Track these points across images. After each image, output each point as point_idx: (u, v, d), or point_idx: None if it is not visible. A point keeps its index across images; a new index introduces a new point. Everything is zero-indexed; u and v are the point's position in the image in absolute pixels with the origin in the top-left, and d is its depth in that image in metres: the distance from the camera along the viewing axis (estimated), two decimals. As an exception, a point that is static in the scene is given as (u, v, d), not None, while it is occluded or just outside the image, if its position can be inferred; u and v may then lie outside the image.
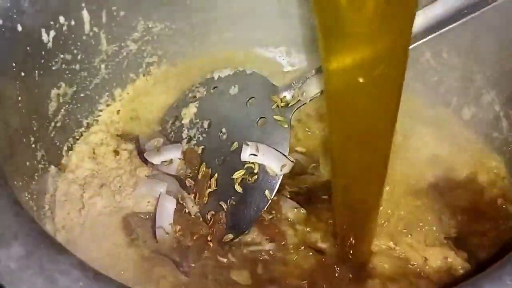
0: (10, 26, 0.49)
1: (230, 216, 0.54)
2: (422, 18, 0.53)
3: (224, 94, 0.60)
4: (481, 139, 0.61)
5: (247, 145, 0.54)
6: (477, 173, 0.59)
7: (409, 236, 0.55)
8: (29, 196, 0.49)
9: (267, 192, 0.54)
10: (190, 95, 0.63)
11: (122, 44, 0.63)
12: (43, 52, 0.54)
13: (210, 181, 0.56)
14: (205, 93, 0.61)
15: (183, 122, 0.61)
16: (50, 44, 0.54)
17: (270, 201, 0.53)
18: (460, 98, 0.63)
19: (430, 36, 0.53)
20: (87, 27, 0.58)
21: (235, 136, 0.57)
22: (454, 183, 0.58)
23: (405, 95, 0.38)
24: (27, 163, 0.51)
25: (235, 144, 0.56)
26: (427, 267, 0.53)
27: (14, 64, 0.49)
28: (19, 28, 0.50)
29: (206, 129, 0.59)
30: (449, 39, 0.61)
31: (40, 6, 0.52)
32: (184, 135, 0.61)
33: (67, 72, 0.57)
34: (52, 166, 0.56)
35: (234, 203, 0.54)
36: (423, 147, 0.62)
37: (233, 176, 0.55)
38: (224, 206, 0.54)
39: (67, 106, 0.59)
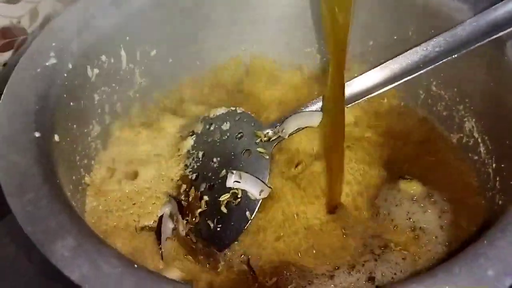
0: (63, 65, 0.60)
1: (216, 233, 0.63)
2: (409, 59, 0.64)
3: (217, 129, 0.70)
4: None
5: (232, 173, 0.64)
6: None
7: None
8: (74, 203, 0.59)
9: (247, 213, 0.62)
10: (189, 129, 0.72)
11: (154, 78, 0.74)
12: (87, 85, 0.64)
13: (200, 202, 0.65)
14: (201, 128, 0.71)
15: (181, 152, 0.70)
16: (93, 79, 0.64)
17: (250, 221, 0.62)
18: (447, 125, 0.72)
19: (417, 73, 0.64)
20: (124, 63, 0.69)
21: (225, 165, 0.66)
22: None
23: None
24: (73, 177, 0.61)
25: (223, 172, 0.65)
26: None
27: (65, 96, 0.59)
28: (70, 66, 0.60)
29: (200, 159, 0.68)
30: (436, 75, 0.71)
31: (86, 48, 0.63)
32: (181, 164, 0.70)
33: (106, 102, 0.67)
34: (92, 179, 0.65)
35: (220, 222, 0.63)
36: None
37: (220, 199, 0.63)
38: (211, 225, 0.63)
39: (105, 130, 0.68)
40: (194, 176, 0.68)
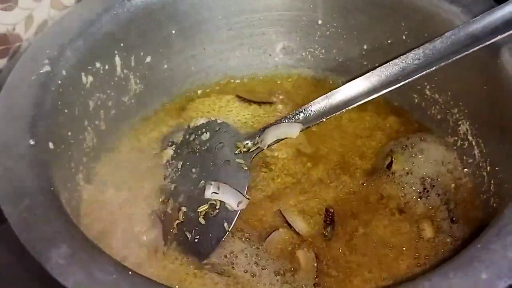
0: (57, 72, 0.60)
1: (194, 244, 0.62)
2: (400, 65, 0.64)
3: (197, 140, 0.70)
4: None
5: (210, 184, 0.64)
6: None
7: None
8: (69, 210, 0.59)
9: (225, 224, 0.62)
10: (169, 139, 0.72)
11: (149, 84, 0.74)
12: (82, 92, 0.64)
13: (178, 213, 0.64)
14: (181, 138, 0.71)
15: (160, 162, 0.70)
16: (88, 85, 0.64)
17: (228, 232, 0.62)
18: (442, 128, 0.72)
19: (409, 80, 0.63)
20: (118, 70, 0.69)
21: (204, 176, 0.66)
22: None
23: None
24: (68, 185, 0.61)
25: (202, 183, 0.65)
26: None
27: (59, 103, 0.59)
28: (64, 73, 0.61)
29: (180, 169, 0.68)
30: (430, 79, 0.71)
31: (80, 54, 0.63)
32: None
33: (102, 108, 0.67)
34: (87, 186, 0.65)
35: (197, 233, 0.62)
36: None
37: (198, 210, 0.63)
38: (189, 236, 0.62)
39: (100, 137, 0.68)
40: (172, 186, 0.67)
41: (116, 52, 0.68)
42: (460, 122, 0.69)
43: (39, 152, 0.54)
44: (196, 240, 0.62)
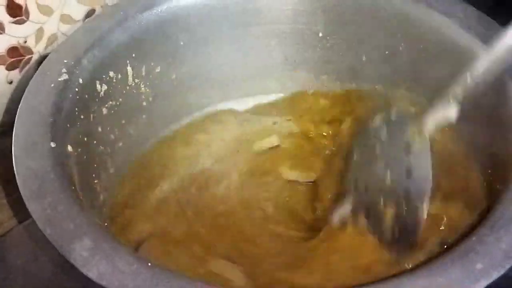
0: (74, 80, 0.63)
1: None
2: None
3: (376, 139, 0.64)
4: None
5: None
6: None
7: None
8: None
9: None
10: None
11: (158, 92, 0.77)
12: (97, 100, 0.67)
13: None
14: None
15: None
16: (102, 93, 0.68)
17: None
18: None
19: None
20: (130, 79, 0.72)
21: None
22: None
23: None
24: (87, 186, 0.63)
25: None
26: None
27: (76, 109, 0.63)
28: (80, 81, 0.64)
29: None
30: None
31: (95, 64, 0.66)
32: None
33: (115, 115, 0.70)
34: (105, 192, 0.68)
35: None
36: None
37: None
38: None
39: (115, 144, 0.71)
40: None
41: (128, 62, 0.71)
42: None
43: (59, 154, 0.56)
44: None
